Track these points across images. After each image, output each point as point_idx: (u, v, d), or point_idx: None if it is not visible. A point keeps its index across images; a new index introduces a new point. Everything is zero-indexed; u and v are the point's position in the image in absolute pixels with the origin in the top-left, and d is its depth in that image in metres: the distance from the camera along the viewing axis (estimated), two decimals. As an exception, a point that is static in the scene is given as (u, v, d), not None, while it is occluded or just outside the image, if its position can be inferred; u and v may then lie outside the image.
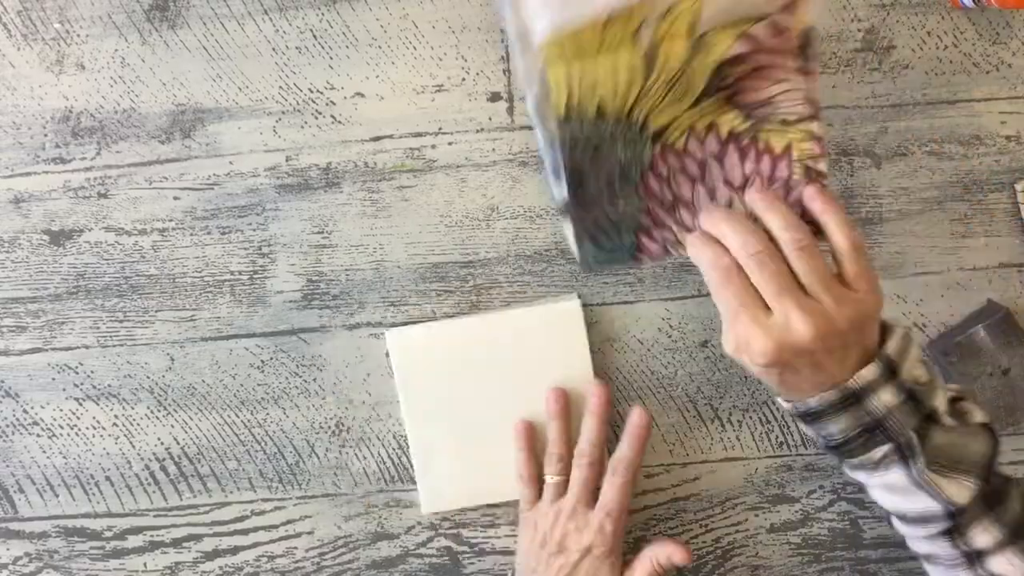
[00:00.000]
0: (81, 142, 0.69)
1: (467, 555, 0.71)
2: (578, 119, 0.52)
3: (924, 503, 0.54)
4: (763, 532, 0.71)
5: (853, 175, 0.69)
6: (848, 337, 0.51)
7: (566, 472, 0.67)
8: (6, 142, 0.69)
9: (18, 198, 0.69)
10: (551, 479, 0.67)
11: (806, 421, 0.54)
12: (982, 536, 0.53)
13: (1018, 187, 0.68)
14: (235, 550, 0.71)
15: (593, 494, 0.66)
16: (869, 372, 0.52)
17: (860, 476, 0.55)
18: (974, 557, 0.54)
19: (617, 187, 0.55)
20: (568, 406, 0.68)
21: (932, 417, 0.53)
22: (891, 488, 0.54)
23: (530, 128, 0.68)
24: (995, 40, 0.68)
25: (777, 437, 0.70)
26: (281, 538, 0.71)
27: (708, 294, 0.68)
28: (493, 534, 0.71)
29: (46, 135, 0.69)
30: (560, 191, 0.54)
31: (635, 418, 0.66)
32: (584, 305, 0.69)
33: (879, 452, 0.53)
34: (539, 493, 0.68)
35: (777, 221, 0.52)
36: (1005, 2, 0.64)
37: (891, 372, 0.52)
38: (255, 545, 0.71)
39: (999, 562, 0.53)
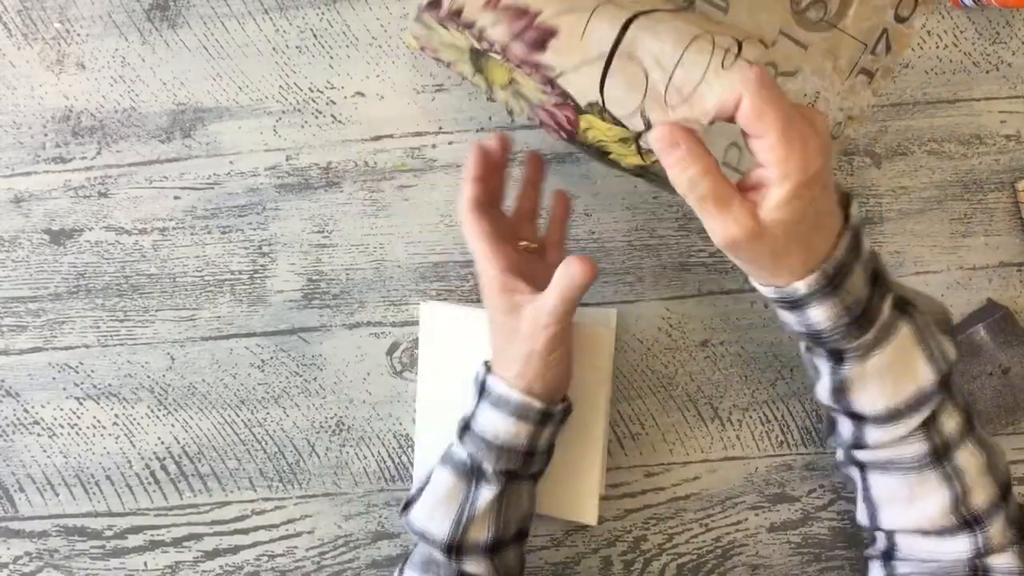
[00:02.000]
0: (81, 141, 0.69)
1: (467, 554, 0.71)
2: None
3: (922, 374, 0.52)
4: (763, 531, 0.71)
5: (853, 175, 0.69)
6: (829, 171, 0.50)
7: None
8: (6, 142, 0.69)
9: (18, 197, 0.69)
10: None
11: (835, 282, 0.49)
12: (949, 421, 0.53)
13: (1018, 186, 0.68)
14: (235, 549, 0.71)
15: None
16: (855, 210, 0.51)
17: (873, 360, 0.52)
18: (941, 452, 0.53)
19: None
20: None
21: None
22: (894, 364, 0.52)
23: (530, 127, 0.68)
24: (995, 40, 0.68)
25: (777, 436, 0.70)
26: (281, 537, 0.71)
27: (708, 293, 0.69)
28: (493, 533, 0.71)
29: (46, 134, 0.69)
30: None
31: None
32: (583, 305, 0.69)
33: (886, 307, 0.51)
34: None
35: None
36: (1005, 1, 0.64)
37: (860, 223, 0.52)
38: (255, 544, 0.71)
39: (963, 454, 0.53)
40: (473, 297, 0.69)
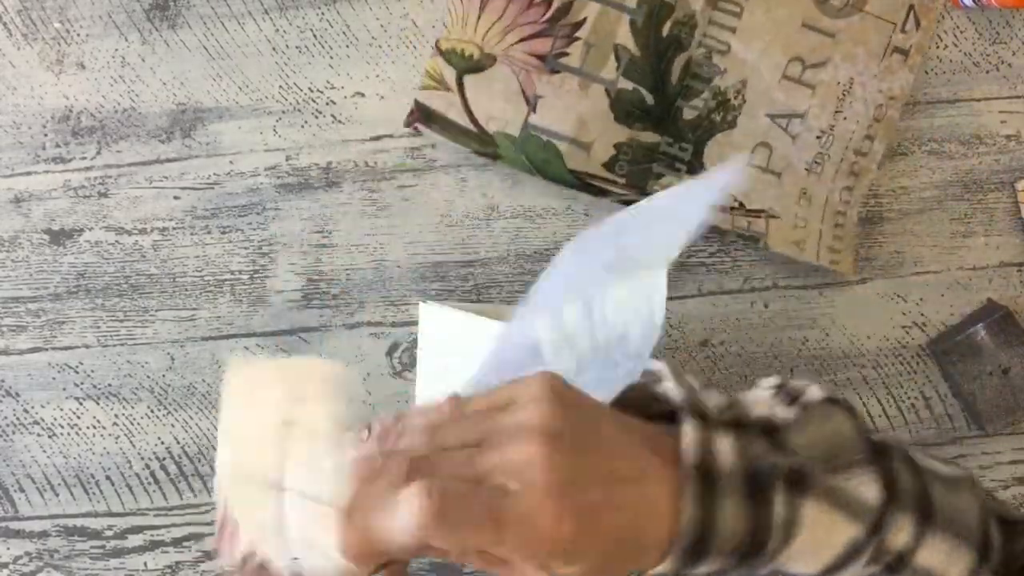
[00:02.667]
0: (81, 141, 0.69)
1: (467, 554, 0.71)
2: None
3: (846, 534, 0.40)
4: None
5: (853, 175, 0.69)
6: (587, 424, 0.37)
7: None
8: (6, 142, 0.69)
9: (18, 198, 0.69)
10: None
11: (698, 553, 0.37)
12: (897, 536, 0.41)
13: (1018, 186, 0.68)
14: (235, 549, 0.71)
15: None
16: (690, 432, 0.37)
17: (785, 554, 0.40)
18: (896, 566, 0.42)
19: None
20: None
21: (769, 427, 0.40)
22: (812, 541, 0.40)
23: (530, 128, 0.68)
24: (995, 40, 0.68)
25: (777, 436, 0.70)
26: (281, 537, 0.71)
27: (708, 293, 0.69)
28: (493, 533, 0.71)
29: (46, 134, 0.69)
30: None
31: None
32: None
33: (778, 508, 0.38)
34: None
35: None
36: (1005, 2, 0.64)
37: (703, 418, 0.39)
38: (255, 544, 0.71)
39: (923, 554, 0.42)
40: (473, 298, 0.69)
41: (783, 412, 0.41)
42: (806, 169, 0.67)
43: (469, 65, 0.66)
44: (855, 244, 0.68)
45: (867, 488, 0.41)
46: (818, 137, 0.66)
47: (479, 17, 0.65)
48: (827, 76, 0.66)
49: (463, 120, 0.66)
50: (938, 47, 0.68)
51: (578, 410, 0.36)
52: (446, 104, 0.66)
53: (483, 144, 0.66)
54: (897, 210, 0.69)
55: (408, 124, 0.67)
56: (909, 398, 0.70)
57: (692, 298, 0.69)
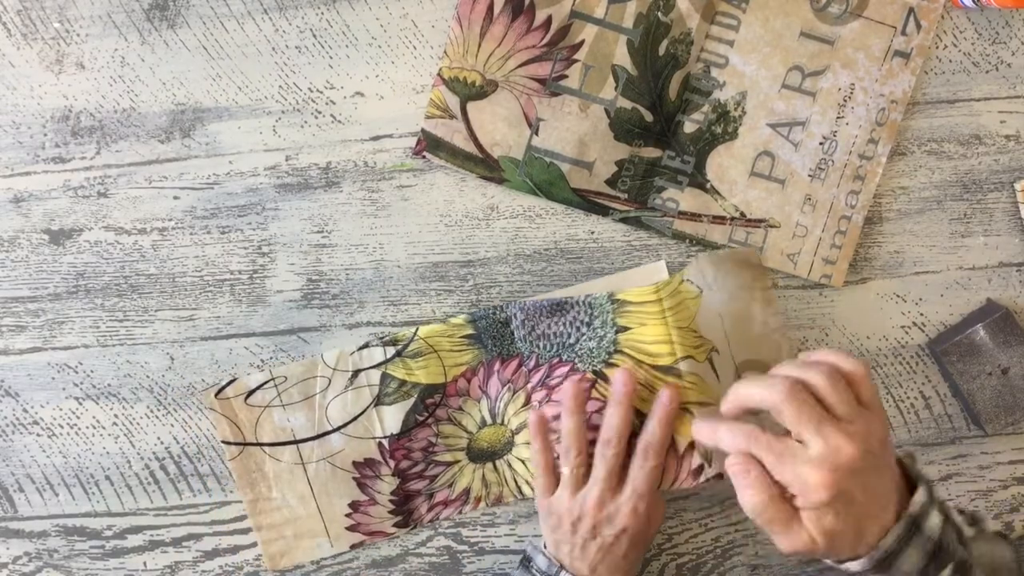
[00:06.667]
0: (81, 141, 0.69)
1: (467, 554, 0.71)
2: None
3: None
4: (762, 531, 0.71)
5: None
6: (880, 458, 0.53)
7: (585, 463, 0.65)
8: (6, 142, 0.69)
9: (18, 197, 0.69)
10: (568, 471, 0.65)
11: (882, 569, 0.54)
12: None
13: (1017, 186, 0.68)
14: (235, 549, 0.71)
15: (621, 481, 0.64)
16: (920, 496, 0.54)
17: None
18: None
19: None
20: (584, 402, 0.66)
21: (960, 532, 0.56)
22: None
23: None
24: (995, 40, 0.68)
25: (777, 436, 0.70)
26: (281, 537, 0.71)
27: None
28: (493, 533, 0.71)
29: (46, 134, 0.69)
30: None
31: (664, 399, 0.64)
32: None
33: (945, 573, 0.54)
34: (556, 482, 0.66)
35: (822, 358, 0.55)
36: (1005, 2, 0.64)
37: (931, 495, 0.55)
38: (255, 544, 0.71)
39: None
40: (471, 297, 0.69)
41: (967, 529, 0.57)
42: (809, 175, 0.67)
43: (472, 92, 0.67)
44: (854, 252, 0.68)
45: None
46: (821, 143, 0.67)
47: (479, 45, 0.66)
48: (827, 83, 0.67)
49: (469, 147, 0.67)
50: (938, 47, 0.68)
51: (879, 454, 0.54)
52: (451, 132, 0.67)
53: (489, 169, 0.68)
54: (897, 210, 0.69)
55: (416, 153, 0.68)
56: (909, 398, 0.70)
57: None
